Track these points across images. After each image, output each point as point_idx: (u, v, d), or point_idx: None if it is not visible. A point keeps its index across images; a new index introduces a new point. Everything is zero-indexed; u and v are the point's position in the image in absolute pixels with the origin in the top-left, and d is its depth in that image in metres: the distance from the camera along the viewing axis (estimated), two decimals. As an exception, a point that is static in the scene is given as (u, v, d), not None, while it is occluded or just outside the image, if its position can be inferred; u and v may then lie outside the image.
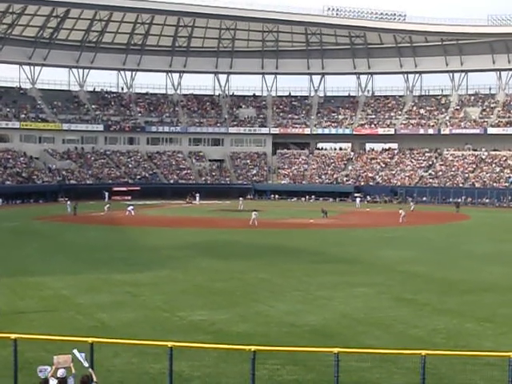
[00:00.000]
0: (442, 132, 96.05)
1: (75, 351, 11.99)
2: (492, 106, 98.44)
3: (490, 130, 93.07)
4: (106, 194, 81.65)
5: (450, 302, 23.63)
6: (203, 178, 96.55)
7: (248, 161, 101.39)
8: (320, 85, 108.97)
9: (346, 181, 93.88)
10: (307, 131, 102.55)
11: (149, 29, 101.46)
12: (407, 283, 27.60)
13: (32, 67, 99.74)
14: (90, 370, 11.73)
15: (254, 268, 31.24)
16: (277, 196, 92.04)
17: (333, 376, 12.10)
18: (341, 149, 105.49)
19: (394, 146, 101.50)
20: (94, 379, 11.42)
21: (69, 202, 66.86)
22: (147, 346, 15.09)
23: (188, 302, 23.39)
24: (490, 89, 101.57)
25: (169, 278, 28.44)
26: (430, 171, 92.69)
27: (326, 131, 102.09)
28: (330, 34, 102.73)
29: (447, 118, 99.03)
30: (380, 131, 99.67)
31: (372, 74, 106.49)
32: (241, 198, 76.21)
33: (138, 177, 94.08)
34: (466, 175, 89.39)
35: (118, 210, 64.59)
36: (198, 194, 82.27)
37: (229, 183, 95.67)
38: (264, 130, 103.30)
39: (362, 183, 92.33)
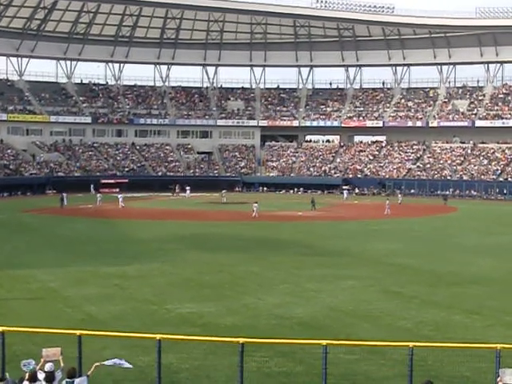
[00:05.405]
0: (430, 124, 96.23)
1: (110, 362, 11.97)
2: (480, 98, 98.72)
3: (478, 123, 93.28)
4: (92, 186, 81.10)
5: (437, 295, 23.72)
6: (191, 171, 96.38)
7: (236, 153, 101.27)
8: (308, 77, 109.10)
9: (335, 173, 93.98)
10: (295, 124, 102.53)
11: (137, 21, 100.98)
12: (395, 276, 27.67)
13: (19, 59, 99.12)
14: (95, 365, 11.67)
15: (242, 261, 31.24)
16: (265, 188, 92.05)
17: (321, 368, 12.12)
18: (329, 141, 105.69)
19: (382, 138, 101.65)
20: (89, 373, 11.41)
21: (65, 194, 65.43)
22: (135, 338, 15.04)
23: (176, 295, 23.37)
24: (477, 81, 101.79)
25: (157, 271, 28.38)
26: (418, 164, 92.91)
27: (315, 124, 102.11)
28: (318, 26, 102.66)
29: (435, 110, 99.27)
30: (368, 124, 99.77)
31: (360, 66, 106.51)
32: (224, 191, 74.83)
33: (126, 169, 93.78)
34: (454, 168, 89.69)
35: (109, 202, 64.54)
36: (188, 188, 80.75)
37: (217, 175, 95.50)
38: (252, 123, 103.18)
39: (351, 176, 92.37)
